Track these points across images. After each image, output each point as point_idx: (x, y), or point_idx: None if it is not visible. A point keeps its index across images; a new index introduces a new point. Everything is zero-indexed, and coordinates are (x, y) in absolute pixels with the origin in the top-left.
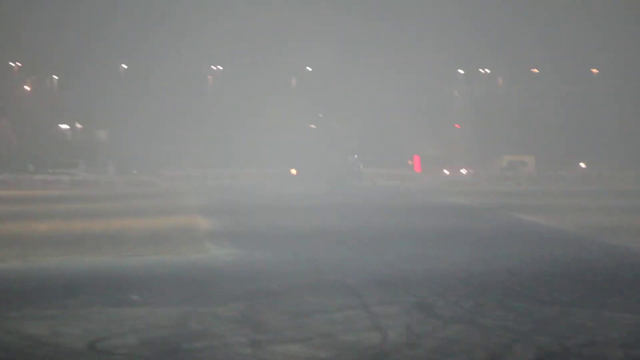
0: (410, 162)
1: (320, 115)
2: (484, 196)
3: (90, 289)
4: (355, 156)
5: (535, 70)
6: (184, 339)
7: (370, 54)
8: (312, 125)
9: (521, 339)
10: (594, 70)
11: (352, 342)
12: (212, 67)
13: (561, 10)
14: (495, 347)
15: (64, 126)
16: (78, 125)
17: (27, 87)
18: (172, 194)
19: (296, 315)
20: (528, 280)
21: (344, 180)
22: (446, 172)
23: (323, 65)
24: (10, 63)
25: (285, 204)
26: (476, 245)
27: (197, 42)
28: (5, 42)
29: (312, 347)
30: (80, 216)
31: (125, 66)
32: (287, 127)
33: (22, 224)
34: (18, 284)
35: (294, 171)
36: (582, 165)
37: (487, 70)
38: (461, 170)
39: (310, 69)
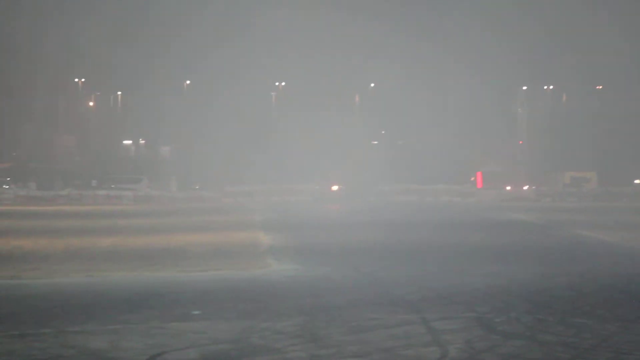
0: (472, 178)
1: (382, 132)
2: (546, 212)
3: (152, 304)
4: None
5: (600, 87)
6: (244, 353)
7: (435, 71)
8: (374, 142)
9: (582, 355)
10: None
11: (412, 357)
12: (276, 83)
13: (626, 28)
14: None
15: (127, 142)
16: (141, 141)
17: (91, 103)
18: (234, 210)
19: (356, 330)
20: (590, 296)
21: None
22: (508, 188)
23: (387, 83)
24: (75, 79)
25: (343, 220)
26: (538, 262)
27: (261, 58)
28: (69, 59)
29: None
30: (143, 231)
31: (188, 82)
32: (350, 143)
33: (85, 239)
34: (80, 299)
35: (335, 187)
36: (637, 181)
37: (551, 87)
38: (523, 187)
39: (373, 85)
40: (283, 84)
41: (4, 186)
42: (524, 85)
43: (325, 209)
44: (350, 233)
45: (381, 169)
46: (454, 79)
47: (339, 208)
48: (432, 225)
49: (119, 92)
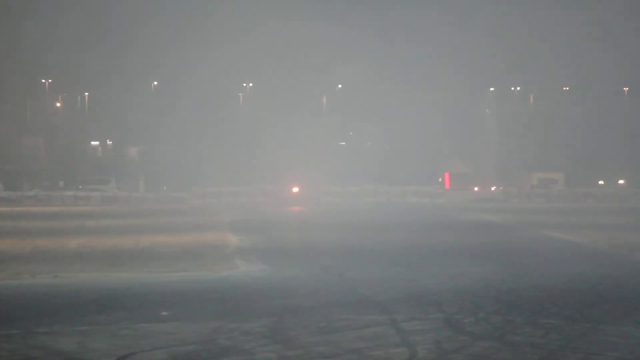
0: (440, 179)
1: (350, 133)
2: (514, 213)
3: (120, 305)
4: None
5: (566, 88)
6: (213, 354)
7: (401, 72)
8: (342, 143)
9: (551, 355)
10: (625, 89)
11: (381, 358)
12: (244, 84)
13: (592, 29)
14: None
15: (95, 143)
16: (109, 142)
17: (58, 104)
18: (202, 211)
19: (325, 331)
20: (558, 297)
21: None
22: (476, 189)
23: (354, 84)
24: (42, 80)
25: (311, 221)
26: (506, 262)
27: (228, 59)
28: (36, 60)
29: None
30: (111, 232)
31: (156, 83)
32: (318, 145)
33: (53, 240)
34: (48, 300)
35: (296, 189)
36: (622, 181)
37: (518, 88)
38: (491, 188)
39: (340, 87)
40: (251, 84)
41: None
42: (492, 87)
43: (290, 210)
44: (318, 234)
45: (349, 170)
46: (422, 81)
47: (303, 209)
48: (401, 226)
49: (86, 93)
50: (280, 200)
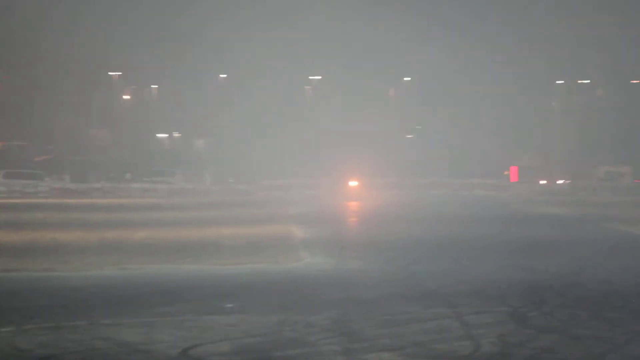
0: (506, 172)
1: (418, 127)
2: (580, 206)
3: (185, 297)
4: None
5: (636, 81)
6: (277, 346)
7: (471, 64)
8: (410, 136)
9: (615, 349)
10: None
11: (445, 351)
12: (311, 77)
13: None
14: (589, 358)
15: (162, 135)
16: (176, 134)
17: (126, 97)
18: (267, 204)
19: (389, 324)
20: (623, 291)
21: None
22: (543, 182)
23: (422, 76)
24: (110, 73)
25: (378, 213)
26: (572, 256)
27: (296, 51)
28: (104, 52)
29: (405, 356)
30: (177, 224)
31: (223, 75)
32: (385, 137)
33: (119, 232)
34: (114, 291)
35: (354, 183)
36: None
37: (587, 81)
38: (558, 181)
39: (408, 79)
40: (318, 77)
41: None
42: (559, 80)
43: (353, 204)
44: (383, 227)
45: (416, 163)
46: (492, 73)
47: (366, 203)
48: (466, 219)
49: (154, 86)
50: (345, 193)
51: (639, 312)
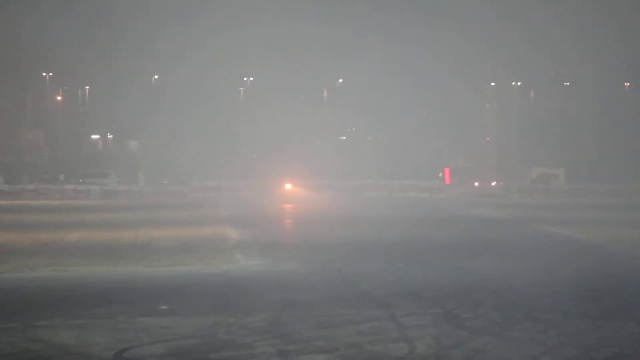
0: (440, 174)
1: (352, 129)
2: (514, 208)
3: (119, 299)
4: None
5: (568, 84)
6: (211, 348)
7: (402, 67)
8: (342, 137)
9: (549, 351)
10: (627, 84)
11: (380, 352)
12: (244, 78)
13: (596, 25)
14: None
15: (95, 136)
16: (109, 136)
17: (58, 98)
18: (201, 205)
19: (324, 325)
20: (557, 293)
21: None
22: (476, 184)
23: (354, 79)
24: (42, 74)
25: (313, 215)
26: (505, 258)
27: (229, 53)
28: (37, 53)
29: (340, 358)
30: (110, 226)
31: (156, 77)
32: (319, 139)
33: (52, 233)
34: (48, 293)
35: (289, 185)
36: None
37: (519, 83)
38: (491, 183)
39: (341, 81)
40: (251, 79)
41: None
42: (492, 81)
43: (287, 206)
44: (318, 229)
45: (349, 165)
46: (423, 76)
47: (300, 205)
48: (400, 221)
49: (87, 87)
50: (278, 195)
51: (572, 313)
